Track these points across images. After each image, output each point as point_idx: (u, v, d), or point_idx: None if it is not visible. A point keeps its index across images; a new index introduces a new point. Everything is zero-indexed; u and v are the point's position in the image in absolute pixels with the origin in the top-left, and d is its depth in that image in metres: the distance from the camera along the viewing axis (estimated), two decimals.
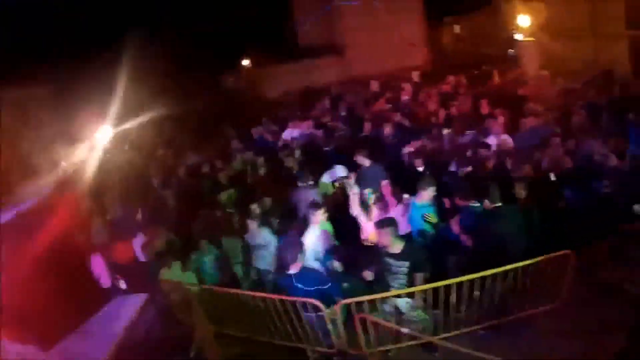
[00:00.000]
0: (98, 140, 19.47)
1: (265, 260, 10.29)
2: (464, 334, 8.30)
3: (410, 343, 8.03)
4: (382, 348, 8.21)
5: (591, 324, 8.17)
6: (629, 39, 18.70)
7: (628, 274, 8.79)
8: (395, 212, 10.05)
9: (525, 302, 8.36)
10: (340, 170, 12.40)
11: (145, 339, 7.66)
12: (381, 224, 8.31)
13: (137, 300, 7.45)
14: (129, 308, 7.30)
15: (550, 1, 22.53)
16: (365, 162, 11.84)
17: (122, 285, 10.25)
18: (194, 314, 8.76)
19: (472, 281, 7.78)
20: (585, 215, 9.47)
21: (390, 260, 8.12)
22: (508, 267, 7.82)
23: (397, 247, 8.07)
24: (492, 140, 12.49)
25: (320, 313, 7.88)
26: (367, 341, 8.11)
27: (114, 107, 19.26)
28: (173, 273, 9.77)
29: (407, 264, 7.98)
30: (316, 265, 9.06)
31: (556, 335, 8.23)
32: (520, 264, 7.84)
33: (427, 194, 9.68)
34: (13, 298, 6.21)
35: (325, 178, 12.55)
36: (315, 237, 9.46)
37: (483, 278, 7.79)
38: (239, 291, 8.85)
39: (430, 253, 8.55)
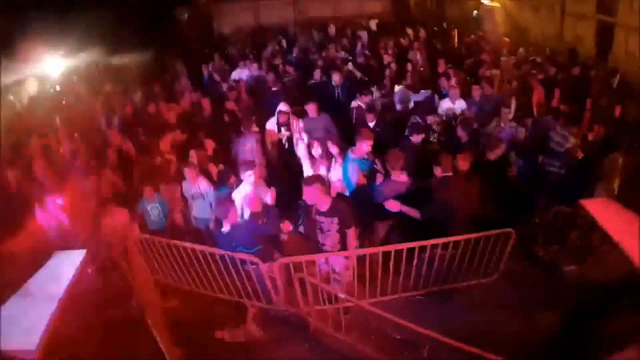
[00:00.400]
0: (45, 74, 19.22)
1: (204, 210, 10.25)
2: (400, 298, 8.49)
3: (347, 305, 8.02)
4: (319, 307, 8.22)
5: (527, 299, 8.42)
6: (596, 22, 18.67)
7: (565, 254, 8.85)
8: (336, 167, 9.98)
9: (463, 274, 8.52)
10: (282, 106, 12.12)
11: (87, 298, 7.50)
12: (307, 181, 8.15)
13: (76, 258, 7.22)
14: (68, 266, 7.07)
15: None
16: (312, 111, 11.69)
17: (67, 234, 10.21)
18: (134, 264, 8.56)
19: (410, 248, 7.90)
20: (530, 192, 9.68)
21: (321, 218, 8.05)
22: (448, 239, 8.01)
23: (325, 203, 7.98)
24: (445, 104, 12.44)
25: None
26: (305, 300, 8.13)
27: (63, 39, 18.92)
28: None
29: (336, 219, 7.95)
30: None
31: (493, 308, 8.45)
32: (461, 237, 7.97)
33: (363, 148, 9.48)
34: None
35: (270, 124, 12.23)
36: (245, 194, 9.21)
37: (422, 247, 7.92)
38: (177, 242, 8.62)
39: (361, 210, 8.53)
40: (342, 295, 7.82)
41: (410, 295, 8.58)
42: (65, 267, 7.09)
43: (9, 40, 18.09)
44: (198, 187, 10.12)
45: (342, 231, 8.01)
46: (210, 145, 11.67)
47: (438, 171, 8.66)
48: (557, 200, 9.17)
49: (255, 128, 11.67)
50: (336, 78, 14.30)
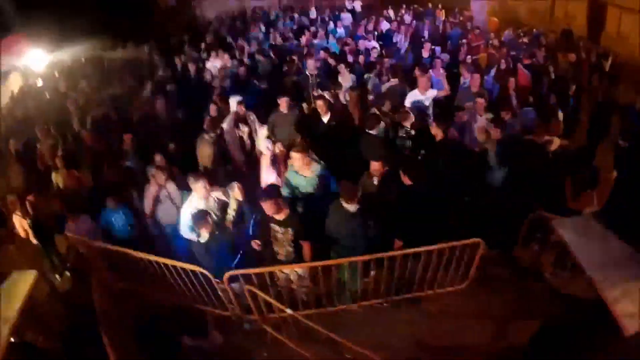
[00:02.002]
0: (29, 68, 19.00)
1: (170, 215, 9.79)
2: (370, 305, 8.34)
3: (303, 312, 7.90)
4: (273, 315, 8.12)
5: (501, 307, 8.20)
6: (588, 1, 18.27)
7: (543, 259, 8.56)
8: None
9: (431, 281, 8.25)
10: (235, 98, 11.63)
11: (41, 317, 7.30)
12: (265, 192, 7.76)
13: (29, 278, 7.05)
14: (21, 287, 6.91)
15: None
16: (283, 105, 11.05)
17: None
18: (94, 271, 8.60)
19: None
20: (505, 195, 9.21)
21: (276, 227, 7.74)
22: (414, 250, 7.73)
23: (281, 214, 7.61)
24: (413, 96, 11.72)
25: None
26: (259, 308, 8.05)
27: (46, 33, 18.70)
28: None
29: (290, 230, 7.66)
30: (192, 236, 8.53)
31: (464, 316, 8.23)
32: (429, 247, 7.69)
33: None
34: None
35: (226, 123, 11.58)
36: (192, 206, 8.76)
37: (381, 258, 7.69)
38: (132, 251, 8.40)
39: (314, 221, 8.08)
40: (288, 311, 7.66)
41: (377, 303, 8.36)
42: (19, 287, 6.90)
43: None
44: (166, 190, 9.68)
45: (296, 242, 7.73)
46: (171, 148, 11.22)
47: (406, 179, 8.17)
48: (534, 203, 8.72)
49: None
50: (311, 67, 13.69)
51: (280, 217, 7.59)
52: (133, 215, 9.91)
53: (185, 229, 8.54)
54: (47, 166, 11.83)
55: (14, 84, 18.91)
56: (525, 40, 16.96)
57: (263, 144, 10.09)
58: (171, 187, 9.72)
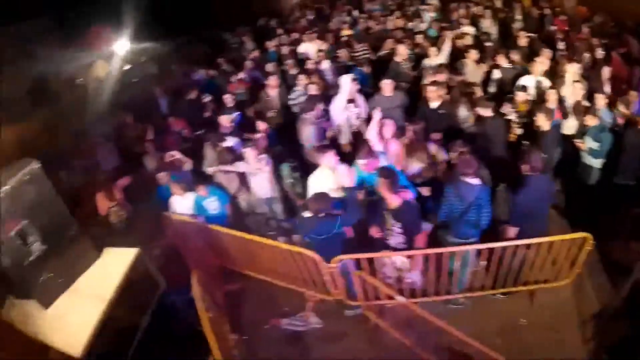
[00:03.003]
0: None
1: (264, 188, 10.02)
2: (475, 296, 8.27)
3: (407, 300, 7.79)
4: (377, 302, 8.08)
5: (591, 306, 8.11)
6: None
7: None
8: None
9: (534, 276, 8.06)
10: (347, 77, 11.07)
11: (138, 297, 7.41)
12: (381, 172, 7.57)
13: (127, 256, 7.16)
14: (118, 265, 7.03)
15: None
16: (388, 89, 10.91)
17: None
18: (192, 251, 8.72)
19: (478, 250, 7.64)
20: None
21: (387, 215, 7.60)
22: (528, 241, 7.50)
23: (392, 202, 7.45)
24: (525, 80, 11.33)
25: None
26: (365, 295, 7.99)
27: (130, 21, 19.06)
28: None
29: (398, 224, 7.52)
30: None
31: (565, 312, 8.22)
32: (534, 240, 7.49)
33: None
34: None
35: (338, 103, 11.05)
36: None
37: (490, 249, 7.52)
38: (243, 234, 8.51)
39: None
40: (399, 298, 7.60)
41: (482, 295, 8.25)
42: (115, 265, 7.04)
43: (78, 24, 18.33)
44: (259, 164, 9.81)
45: (407, 235, 7.59)
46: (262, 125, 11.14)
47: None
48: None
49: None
50: (402, 52, 13.16)
51: (391, 205, 7.43)
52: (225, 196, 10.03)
53: None
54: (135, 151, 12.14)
55: (101, 70, 19.42)
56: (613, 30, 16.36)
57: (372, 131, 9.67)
58: (264, 160, 9.88)
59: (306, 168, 9.92)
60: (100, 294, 6.65)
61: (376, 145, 9.13)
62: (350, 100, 10.81)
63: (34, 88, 15.39)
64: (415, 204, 7.63)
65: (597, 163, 9.60)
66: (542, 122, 9.37)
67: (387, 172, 7.43)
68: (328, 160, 8.55)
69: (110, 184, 10.36)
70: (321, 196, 7.59)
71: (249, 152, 9.68)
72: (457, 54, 13.44)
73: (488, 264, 7.73)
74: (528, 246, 7.53)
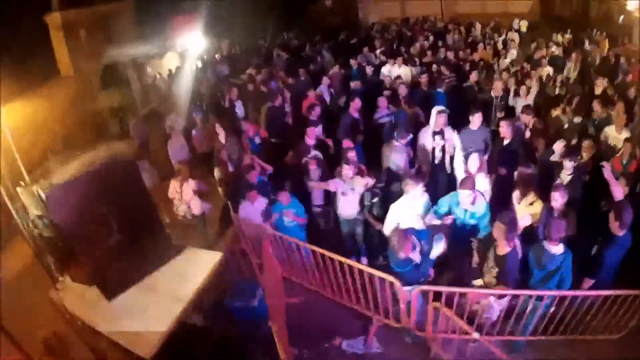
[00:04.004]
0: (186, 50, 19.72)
1: (351, 207, 9.87)
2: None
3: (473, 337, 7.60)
4: (445, 335, 7.95)
5: None
6: None
7: None
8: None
9: (590, 327, 7.93)
10: (439, 107, 10.86)
11: (216, 304, 7.47)
12: (501, 217, 7.41)
13: (209, 259, 7.08)
14: (199, 267, 6.93)
15: None
16: (477, 122, 10.77)
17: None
18: (266, 261, 8.53)
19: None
20: None
21: (490, 258, 7.60)
22: (597, 292, 7.47)
23: (502, 248, 7.39)
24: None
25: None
26: (435, 327, 7.93)
27: (207, 19, 19.30)
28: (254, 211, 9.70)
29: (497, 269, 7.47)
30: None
31: None
32: (606, 292, 7.43)
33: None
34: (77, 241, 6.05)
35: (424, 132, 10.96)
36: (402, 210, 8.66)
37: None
38: (319, 249, 8.53)
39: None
40: (475, 335, 7.39)
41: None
42: (196, 267, 6.96)
43: (152, 15, 18.66)
44: (352, 183, 9.64)
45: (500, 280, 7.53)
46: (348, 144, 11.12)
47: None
48: None
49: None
50: (498, 87, 13.19)
51: (501, 251, 7.40)
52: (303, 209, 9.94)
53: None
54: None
55: (171, 63, 19.76)
56: None
57: (460, 164, 9.95)
58: (358, 180, 9.64)
59: (385, 191, 9.98)
60: (178, 295, 6.55)
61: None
62: (439, 132, 10.67)
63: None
64: (518, 252, 7.54)
65: None
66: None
67: (507, 219, 7.32)
68: (417, 192, 8.52)
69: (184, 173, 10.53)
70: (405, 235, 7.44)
71: (346, 170, 9.53)
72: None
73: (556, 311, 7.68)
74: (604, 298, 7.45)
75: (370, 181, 9.57)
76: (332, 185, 9.79)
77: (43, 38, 14.34)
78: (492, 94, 13.17)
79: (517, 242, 7.52)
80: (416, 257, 7.43)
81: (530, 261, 7.45)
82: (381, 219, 9.29)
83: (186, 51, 19.83)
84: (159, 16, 18.97)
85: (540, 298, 7.34)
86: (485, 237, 8.16)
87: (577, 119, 11.97)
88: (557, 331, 7.92)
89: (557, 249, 7.18)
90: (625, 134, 10.93)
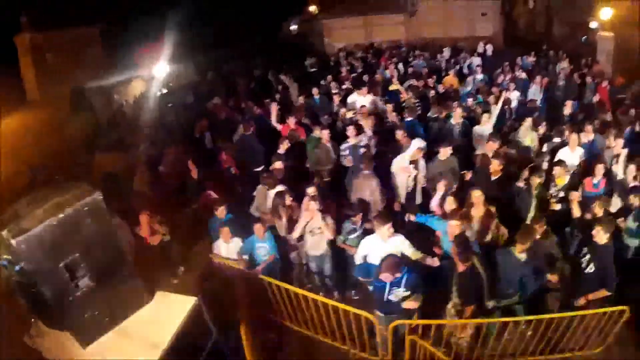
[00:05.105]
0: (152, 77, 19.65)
1: (319, 246, 9.74)
2: None
3: None
4: None
5: None
6: None
7: None
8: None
9: (570, 344, 8.25)
10: (420, 142, 11.07)
11: (194, 348, 7.37)
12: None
13: (185, 304, 6.98)
14: (175, 312, 6.83)
15: None
16: (445, 152, 10.87)
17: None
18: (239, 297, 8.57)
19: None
20: None
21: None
22: (570, 314, 7.83)
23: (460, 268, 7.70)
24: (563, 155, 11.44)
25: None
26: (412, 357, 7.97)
27: (173, 45, 19.30)
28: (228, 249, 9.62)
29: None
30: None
31: None
32: (573, 313, 7.83)
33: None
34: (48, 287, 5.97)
35: (400, 161, 11.00)
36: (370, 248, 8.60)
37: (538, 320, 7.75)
38: (292, 287, 8.57)
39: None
40: None
41: None
42: (171, 312, 6.86)
43: (121, 41, 18.71)
44: (316, 222, 9.47)
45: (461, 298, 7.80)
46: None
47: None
48: None
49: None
50: (456, 116, 13.21)
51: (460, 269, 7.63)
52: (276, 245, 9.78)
53: (361, 271, 8.54)
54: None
55: (137, 90, 19.67)
56: None
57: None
58: (322, 219, 9.45)
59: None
60: (153, 341, 6.35)
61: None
62: (412, 161, 10.81)
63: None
64: (478, 271, 7.72)
65: (634, 242, 9.49)
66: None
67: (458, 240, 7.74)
68: (384, 232, 8.39)
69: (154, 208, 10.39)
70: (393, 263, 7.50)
71: (313, 207, 9.36)
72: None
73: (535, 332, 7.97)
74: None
75: (329, 221, 9.52)
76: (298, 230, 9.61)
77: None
78: (452, 121, 13.21)
79: (476, 261, 7.72)
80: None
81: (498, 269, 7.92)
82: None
83: (152, 79, 19.75)
84: (127, 43, 19.01)
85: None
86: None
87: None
88: (537, 352, 8.14)
89: (522, 255, 7.83)
90: (579, 152, 11.40)
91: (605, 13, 21.90)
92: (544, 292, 8.47)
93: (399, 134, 11.91)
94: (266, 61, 23.82)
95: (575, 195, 9.38)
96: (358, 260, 8.65)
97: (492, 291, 7.90)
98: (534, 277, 7.93)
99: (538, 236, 8.45)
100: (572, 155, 11.41)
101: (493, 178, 10.37)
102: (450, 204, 9.20)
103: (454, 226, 8.40)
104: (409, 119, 13.42)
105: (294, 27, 31.09)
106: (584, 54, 23.16)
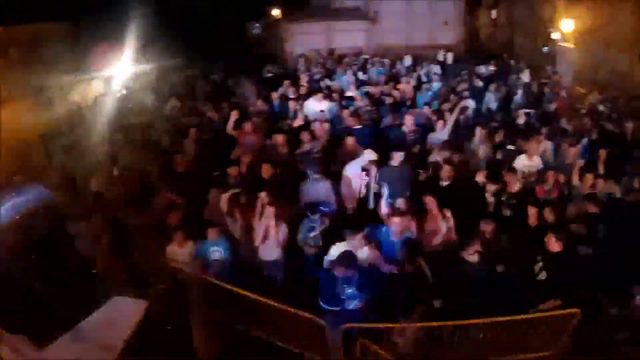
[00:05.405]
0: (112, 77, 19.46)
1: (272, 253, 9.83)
2: None
3: None
4: None
5: None
6: None
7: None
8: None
9: (520, 347, 8.29)
10: (370, 155, 11.09)
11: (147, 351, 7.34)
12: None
13: (138, 307, 7.01)
14: (129, 315, 6.85)
15: (596, 8, 21.85)
16: (397, 159, 11.05)
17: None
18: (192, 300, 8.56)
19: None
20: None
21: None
22: (523, 317, 7.86)
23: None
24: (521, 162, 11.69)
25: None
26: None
27: (134, 45, 19.13)
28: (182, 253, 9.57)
29: None
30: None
31: None
32: (524, 316, 7.88)
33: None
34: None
35: (352, 169, 11.16)
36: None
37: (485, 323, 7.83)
38: (244, 291, 8.52)
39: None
40: None
41: None
42: (126, 315, 6.87)
43: (82, 40, 18.45)
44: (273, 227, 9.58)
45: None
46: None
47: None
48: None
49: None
50: (409, 123, 13.44)
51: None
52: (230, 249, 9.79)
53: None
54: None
55: (99, 90, 19.43)
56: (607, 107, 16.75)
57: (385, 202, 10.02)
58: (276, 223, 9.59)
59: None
60: (107, 343, 6.45)
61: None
62: (364, 169, 10.92)
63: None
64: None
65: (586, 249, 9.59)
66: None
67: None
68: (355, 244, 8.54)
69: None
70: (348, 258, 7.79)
71: (267, 211, 9.51)
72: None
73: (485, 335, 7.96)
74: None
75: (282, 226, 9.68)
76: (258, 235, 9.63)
77: None
78: (405, 128, 13.37)
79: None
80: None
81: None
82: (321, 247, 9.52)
83: (113, 78, 19.58)
84: (91, 41, 18.80)
85: None
86: None
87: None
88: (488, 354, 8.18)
89: (473, 257, 8.14)
90: (537, 160, 11.61)
91: (567, 25, 22.36)
92: (497, 295, 8.44)
93: (349, 141, 12.11)
94: (227, 64, 23.78)
95: (532, 210, 9.62)
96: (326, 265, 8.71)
97: (441, 292, 8.16)
98: (485, 279, 8.12)
99: (487, 236, 8.74)
100: (529, 162, 11.64)
101: (445, 184, 10.64)
102: (400, 205, 9.45)
103: (397, 224, 8.70)
104: (360, 126, 13.56)
105: (256, 30, 31.07)
106: (544, 65, 23.56)
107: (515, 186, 10.57)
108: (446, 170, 10.72)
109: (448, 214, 9.34)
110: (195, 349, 7.67)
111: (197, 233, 9.82)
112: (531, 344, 8.23)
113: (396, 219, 8.87)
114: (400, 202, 9.68)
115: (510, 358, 8.35)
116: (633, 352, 8.27)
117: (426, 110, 15.21)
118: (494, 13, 33.02)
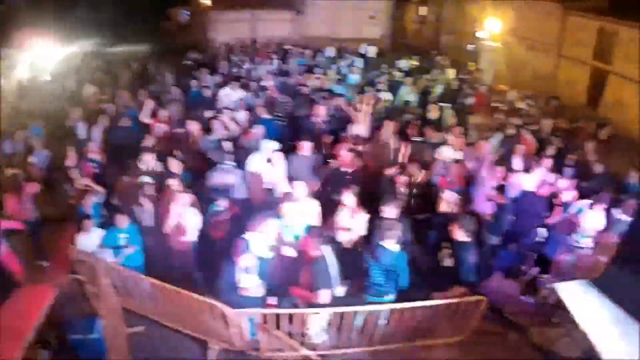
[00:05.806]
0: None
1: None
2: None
3: (307, 353, 7.80)
4: (280, 354, 8.11)
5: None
6: (591, 68, 18.89)
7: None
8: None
9: (430, 332, 8.58)
10: (270, 144, 11.24)
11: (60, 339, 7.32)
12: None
13: (46, 292, 6.98)
14: (37, 302, 6.82)
15: (521, 9, 22.71)
16: (306, 149, 11.24)
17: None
18: (101, 288, 8.39)
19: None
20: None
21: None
22: (421, 303, 8.01)
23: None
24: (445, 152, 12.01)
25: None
26: (269, 347, 8.13)
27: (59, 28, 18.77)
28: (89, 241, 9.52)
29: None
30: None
31: None
32: (433, 302, 8.05)
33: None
34: None
35: (257, 160, 11.16)
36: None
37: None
38: (149, 278, 8.57)
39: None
40: (302, 350, 7.66)
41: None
42: (33, 303, 6.83)
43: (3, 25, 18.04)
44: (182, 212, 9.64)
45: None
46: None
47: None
48: None
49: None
50: (321, 113, 13.48)
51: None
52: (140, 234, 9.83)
53: None
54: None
55: (22, 74, 19.07)
56: (526, 105, 17.22)
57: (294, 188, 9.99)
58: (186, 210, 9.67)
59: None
60: (17, 332, 6.41)
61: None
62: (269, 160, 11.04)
63: None
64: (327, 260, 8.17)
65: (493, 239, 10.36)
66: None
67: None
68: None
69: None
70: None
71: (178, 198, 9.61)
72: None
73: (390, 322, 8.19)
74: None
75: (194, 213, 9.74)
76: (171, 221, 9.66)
77: None
78: (317, 119, 13.41)
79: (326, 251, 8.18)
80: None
81: (368, 261, 8.13)
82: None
83: (37, 62, 19.41)
84: (15, 23, 18.38)
85: None
86: None
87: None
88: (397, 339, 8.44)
89: (394, 247, 7.96)
90: (458, 154, 11.81)
91: (492, 24, 23.19)
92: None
93: (252, 131, 12.40)
94: (149, 50, 23.52)
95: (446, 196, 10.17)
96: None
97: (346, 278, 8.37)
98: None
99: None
100: (452, 154, 11.90)
101: (348, 172, 10.98)
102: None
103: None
104: (270, 116, 13.78)
105: (184, 17, 30.74)
106: (468, 61, 24.07)
107: (418, 177, 10.87)
108: (352, 160, 11.09)
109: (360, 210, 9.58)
110: (104, 336, 7.52)
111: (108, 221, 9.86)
112: (440, 330, 8.54)
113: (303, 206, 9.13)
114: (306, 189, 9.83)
115: (420, 343, 8.58)
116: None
117: (340, 101, 15.22)
118: (423, 10, 33.49)
